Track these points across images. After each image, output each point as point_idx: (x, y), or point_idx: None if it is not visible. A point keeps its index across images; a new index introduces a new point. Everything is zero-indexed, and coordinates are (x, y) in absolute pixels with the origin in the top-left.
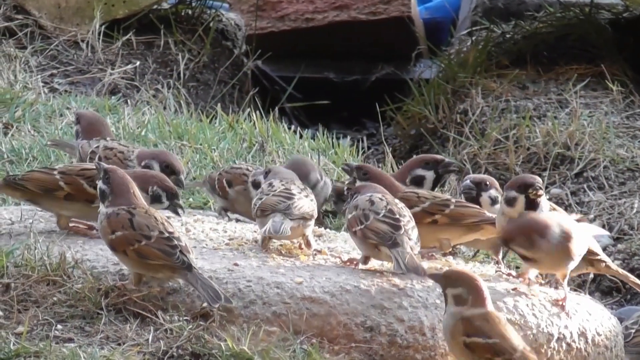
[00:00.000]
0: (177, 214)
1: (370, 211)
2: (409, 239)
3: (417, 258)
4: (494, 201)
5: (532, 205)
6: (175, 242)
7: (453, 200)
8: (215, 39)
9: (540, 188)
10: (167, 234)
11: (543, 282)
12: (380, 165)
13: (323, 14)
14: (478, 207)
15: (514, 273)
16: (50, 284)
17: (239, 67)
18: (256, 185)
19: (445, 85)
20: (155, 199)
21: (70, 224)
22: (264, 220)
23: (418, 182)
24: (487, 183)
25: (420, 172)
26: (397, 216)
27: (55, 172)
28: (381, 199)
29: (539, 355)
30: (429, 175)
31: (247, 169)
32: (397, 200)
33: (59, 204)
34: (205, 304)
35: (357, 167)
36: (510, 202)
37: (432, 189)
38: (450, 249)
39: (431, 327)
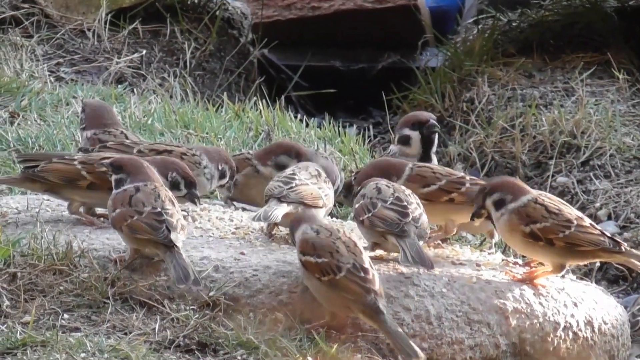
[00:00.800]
0: (195, 203)
1: (377, 199)
2: (416, 227)
3: (424, 249)
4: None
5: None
6: (164, 217)
7: (467, 177)
8: (222, 28)
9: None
10: (159, 209)
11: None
12: (386, 154)
13: (329, 3)
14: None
15: (519, 262)
16: (57, 273)
17: (245, 55)
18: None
19: (452, 74)
20: (173, 186)
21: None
22: (265, 206)
23: (405, 142)
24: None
25: (407, 132)
26: (405, 203)
27: (76, 162)
28: (388, 187)
29: (545, 344)
30: (415, 135)
31: (249, 153)
32: (404, 187)
33: (81, 194)
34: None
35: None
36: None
37: (423, 149)
38: (454, 232)
39: (437, 315)
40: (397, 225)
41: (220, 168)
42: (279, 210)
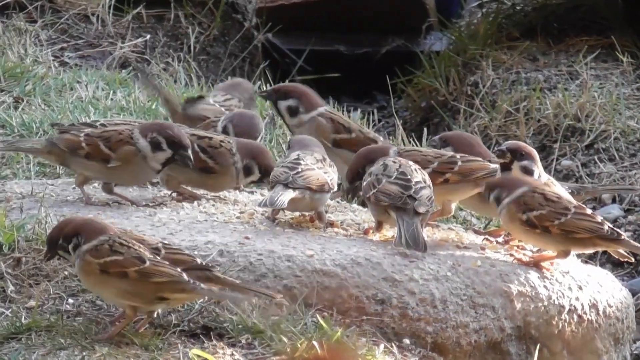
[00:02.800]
0: (187, 165)
1: (383, 175)
2: (416, 198)
3: (421, 231)
4: (526, 171)
5: None
6: None
7: (458, 156)
8: (226, 12)
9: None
10: None
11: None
12: (391, 138)
13: None
14: (480, 159)
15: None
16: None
17: (249, 40)
18: None
19: (456, 58)
20: (154, 147)
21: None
22: (271, 192)
23: None
24: (523, 153)
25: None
26: (409, 177)
27: (82, 135)
28: (394, 162)
29: (550, 327)
30: None
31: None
32: (411, 163)
33: (81, 163)
34: None
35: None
36: None
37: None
38: (452, 212)
39: (442, 299)
40: (399, 198)
41: (245, 162)
42: (285, 196)
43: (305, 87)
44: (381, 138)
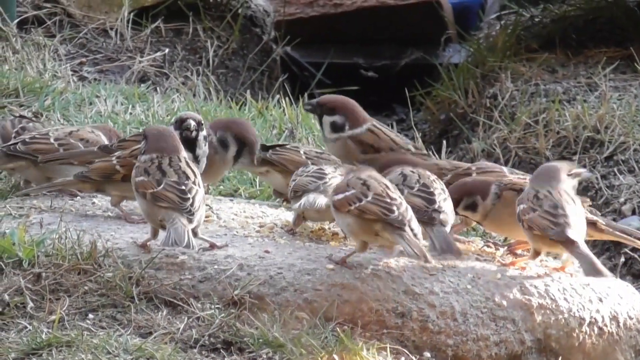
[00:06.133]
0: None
1: (403, 186)
2: (440, 212)
3: (451, 237)
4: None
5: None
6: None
7: (473, 167)
8: (244, 26)
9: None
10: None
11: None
12: None
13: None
14: (497, 168)
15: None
16: (81, 273)
17: (268, 53)
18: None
19: (475, 70)
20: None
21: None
22: (297, 200)
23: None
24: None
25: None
26: (431, 189)
27: (113, 159)
28: (413, 172)
29: (570, 340)
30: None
31: None
32: (428, 173)
33: (117, 187)
34: None
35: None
36: None
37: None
38: (472, 225)
39: (462, 312)
40: (424, 212)
41: (218, 135)
42: (322, 200)
43: (352, 103)
44: (410, 145)
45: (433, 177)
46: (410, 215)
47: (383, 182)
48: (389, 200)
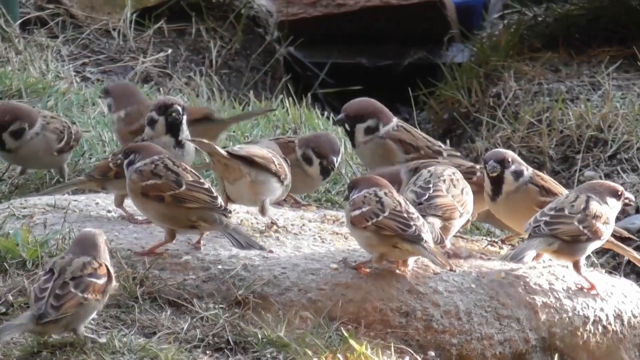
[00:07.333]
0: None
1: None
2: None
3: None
4: (518, 175)
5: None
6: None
7: (477, 166)
8: (247, 26)
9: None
10: None
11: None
12: None
13: None
14: None
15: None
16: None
17: (271, 53)
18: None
19: (478, 69)
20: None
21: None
22: None
23: (151, 125)
24: (510, 160)
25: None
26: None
27: (109, 157)
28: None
29: (574, 338)
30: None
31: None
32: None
33: (113, 185)
34: None
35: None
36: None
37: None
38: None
39: (467, 311)
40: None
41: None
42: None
43: (375, 102)
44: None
45: (448, 172)
46: (426, 229)
47: (397, 199)
48: (405, 216)
